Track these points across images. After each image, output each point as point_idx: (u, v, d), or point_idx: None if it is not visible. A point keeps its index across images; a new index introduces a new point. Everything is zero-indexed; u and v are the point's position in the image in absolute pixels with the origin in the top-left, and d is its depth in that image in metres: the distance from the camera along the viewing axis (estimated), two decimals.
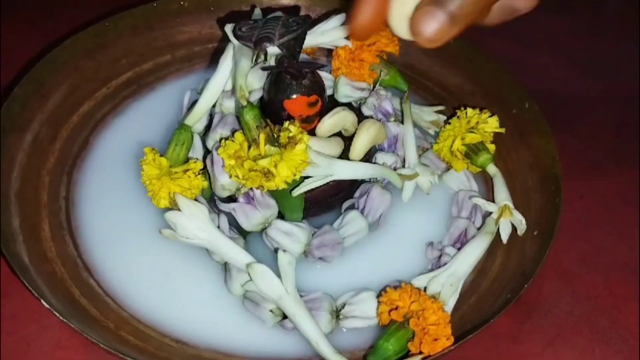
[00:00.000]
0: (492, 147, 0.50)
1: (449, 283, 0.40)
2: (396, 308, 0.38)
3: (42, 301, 0.37)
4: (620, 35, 0.73)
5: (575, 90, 0.65)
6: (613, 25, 0.75)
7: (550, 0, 0.78)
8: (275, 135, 0.40)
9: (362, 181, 0.48)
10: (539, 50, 0.69)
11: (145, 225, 0.46)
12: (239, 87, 0.43)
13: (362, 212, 0.46)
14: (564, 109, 0.62)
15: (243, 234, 0.44)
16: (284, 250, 0.40)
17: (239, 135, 0.41)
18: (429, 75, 0.58)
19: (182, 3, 0.58)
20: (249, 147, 0.40)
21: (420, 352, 0.36)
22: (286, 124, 0.41)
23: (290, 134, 0.40)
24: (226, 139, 0.42)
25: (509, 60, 0.64)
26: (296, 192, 0.42)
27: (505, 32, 0.70)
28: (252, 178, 0.40)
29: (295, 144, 0.40)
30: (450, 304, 0.40)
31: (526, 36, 0.71)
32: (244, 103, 0.42)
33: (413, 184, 0.48)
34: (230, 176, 0.41)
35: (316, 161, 0.42)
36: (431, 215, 0.48)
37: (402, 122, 0.50)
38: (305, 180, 0.42)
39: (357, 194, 0.47)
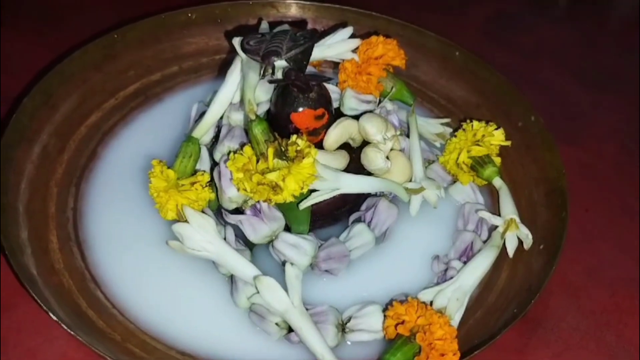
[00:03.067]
0: (497, 160, 0.50)
1: (455, 297, 0.40)
2: (402, 322, 0.38)
3: (50, 313, 0.37)
4: (624, 48, 0.73)
5: (579, 102, 0.65)
6: (617, 38, 0.75)
7: (554, 13, 0.79)
8: (283, 149, 0.41)
9: (369, 194, 0.48)
10: (543, 63, 0.70)
11: (152, 237, 0.46)
12: (248, 101, 0.43)
13: (368, 225, 0.46)
14: (567, 122, 0.63)
15: (249, 246, 0.44)
16: (292, 264, 0.41)
17: (247, 149, 0.41)
18: (435, 88, 0.59)
19: (189, 15, 0.59)
20: (257, 161, 0.40)
21: None
22: (294, 137, 0.41)
23: (298, 148, 0.40)
24: (234, 152, 0.42)
25: (513, 73, 0.64)
26: (303, 205, 0.42)
27: (510, 44, 0.71)
28: (260, 191, 0.40)
29: (303, 157, 0.40)
30: (456, 318, 0.40)
31: (530, 49, 0.72)
32: (253, 117, 0.42)
33: (420, 197, 0.48)
34: (239, 189, 0.41)
35: (323, 175, 0.42)
36: (437, 228, 0.48)
37: (409, 136, 0.51)
38: (313, 194, 0.43)
39: (363, 207, 0.47)
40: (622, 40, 0.74)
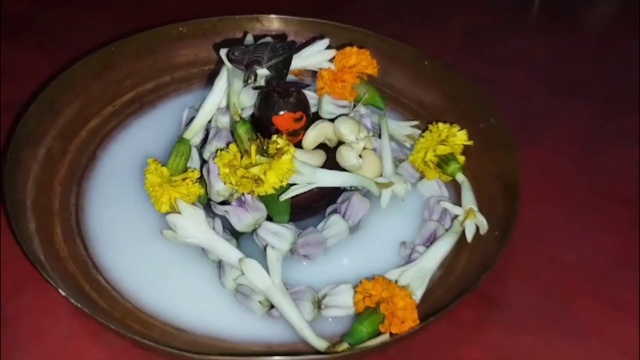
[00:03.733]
0: (462, 158, 0.55)
1: (417, 276, 0.45)
2: (370, 296, 0.43)
3: (59, 290, 0.41)
4: (589, 58, 0.78)
5: (544, 107, 0.70)
6: (583, 49, 0.80)
7: (526, 27, 0.85)
8: (265, 147, 0.46)
9: (344, 189, 0.53)
10: (514, 72, 0.74)
11: (146, 228, 0.50)
12: (233, 105, 0.48)
13: (343, 216, 0.51)
14: (532, 124, 0.67)
15: (235, 236, 0.49)
16: (272, 247, 0.45)
17: (232, 147, 0.46)
18: (407, 94, 0.63)
19: (181, 29, 0.63)
20: (242, 157, 0.45)
21: (391, 333, 0.41)
22: (274, 137, 0.46)
23: (278, 146, 0.45)
24: (221, 150, 0.47)
25: (486, 81, 0.70)
26: (283, 197, 0.47)
27: (484, 55, 0.76)
28: (244, 184, 0.45)
29: (283, 154, 0.45)
30: (418, 294, 0.45)
31: (503, 59, 0.77)
32: (237, 118, 0.48)
33: (389, 191, 0.53)
34: (225, 182, 0.46)
35: (301, 170, 0.47)
36: (406, 219, 0.53)
37: (380, 137, 0.56)
38: (292, 187, 0.48)
39: (339, 200, 0.52)
40: (589, 51, 0.79)
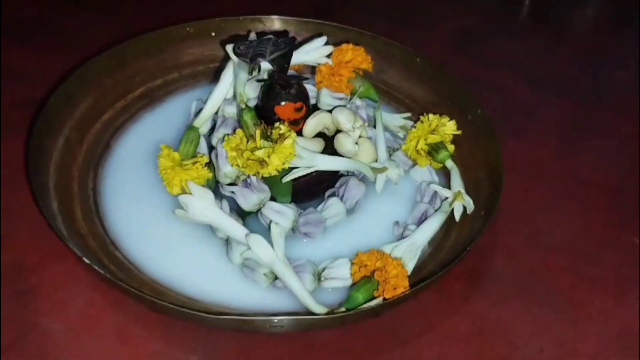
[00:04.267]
0: (451, 148, 0.59)
1: (408, 250, 0.49)
2: (365, 266, 0.47)
3: (84, 259, 0.45)
4: (572, 57, 0.83)
5: (527, 102, 0.75)
6: (567, 49, 0.84)
7: (513, 29, 0.89)
8: (268, 132, 0.50)
9: (342, 175, 0.57)
10: (500, 70, 0.78)
11: (158, 209, 0.54)
12: (239, 94, 0.52)
13: (341, 198, 0.55)
14: (516, 118, 0.72)
15: (242, 216, 0.53)
16: (276, 224, 0.50)
17: (239, 131, 0.50)
18: (400, 89, 0.68)
19: (187, 29, 0.67)
20: (247, 142, 0.50)
21: (384, 299, 0.45)
22: (277, 124, 0.51)
23: (281, 131, 0.50)
24: (229, 135, 0.51)
25: (473, 79, 0.74)
26: (286, 179, 0.51)
27: (472, 55, 0.81)
28: (250, 166, 0.49)
29: (285, 139, 0.49)
30: (409, 266, 0.49)
31: (490, 59, 0.81)
32: (243, 106, 0.52)
33: (384, 176, 0.57)
34: (232, 165, 0.50)
35: (301, 154, 0.51)
36: (399, 202, 0.57)
37: (374, 127, 0.60)
38: (293, 170, 0.52)
39: (337, 184, 0.56)
40: (572, 51, 0.84)
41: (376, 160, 0.57)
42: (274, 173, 0.49)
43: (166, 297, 0.48)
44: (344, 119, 0.55)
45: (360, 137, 0.56)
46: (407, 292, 0.45)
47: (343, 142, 0.55)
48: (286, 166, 0.49)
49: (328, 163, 0.53)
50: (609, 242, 0.59)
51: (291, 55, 0.54)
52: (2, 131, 0.63)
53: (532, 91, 0.76)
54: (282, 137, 0.49)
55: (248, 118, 0.51)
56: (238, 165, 0.49)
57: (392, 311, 0.49)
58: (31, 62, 0.72)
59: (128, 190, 0.57)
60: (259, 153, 0.48)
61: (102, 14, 0.81)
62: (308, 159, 0.52)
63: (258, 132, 0.49)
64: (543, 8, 0.93)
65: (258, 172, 0.49)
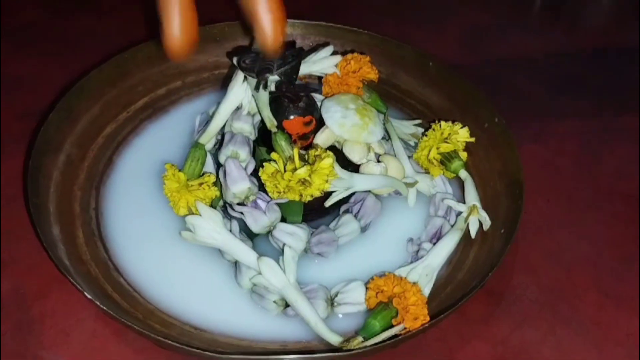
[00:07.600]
0: (464, 155, 0.56)
1: (424, 273, 0.47)
2: (381, 291, 0.45)
3: (85, 293, 0.43)
4: (588, 56, 0.79)
5: (544, 105, 0.71)
6: (583, 47, 0.81)
7: (526, 26, 0.86)
8: (305, 156, 0.47)
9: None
10: (514, 70, 0.75)
11: (163, 230, 0.52)
12: (267, 117, 0.50)
13: (355, 216, 0.53)
14: (533, 123, 0.69)
15: (251, 237, 0.51)
16: (289, 247, 0.47)
17: (274, 155, 0.47)
18: (413, 95, 0.65)
19: None
20: (284, 166, 0.47)
21: (403, 328, 0.43)
22: (312, 149, 0.48)
23: (317, 153, 0.47)
24: (262, 161, 0.48)
25: (486, 80, 0.71)
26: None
27: (484, 54, 0.78)
28: (292, 188, 0.46)
29: (322, 159, 0.46)
30: (426, 291, 0.47)
31: (503, 58, 0.78)
32: (274, 130, 0.49)
33: (414, 190, 0.55)
34: (272, 194, 0.47)
35: (340, 174, 0.48)
36: (412, 216, 0.55)
37: (389, 139, 0.57)
38: (334, 193, 0.49)
39: (352, 200, 0.54)
40: (588, 50, 0.80)
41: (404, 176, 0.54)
42: (317, 194, 0.47)
43: (171, 328, 0.46)
44: (356, 157, 0.53)
45: (380, 155, 0.54)
46: (428, 324, 0.42)
47: (371, 170, 0.52)
48: (328, 186, 0.47)
49: (365, 183, 0.51)
50: (635, 257, 0.56)
51: (299, 67, 0.52)
52: (3, 146, 0.61)
53: (548, 92, 0.73)
54: (318, 157, 0.46)
55: (283, 140, 0.49)
56: (279, 193, 0.47)
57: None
58: (31, 69, 0.70)
59: (132, 210, 0.55)
60: (301, 172, 0.45)
61: (103, 19, 0.79)
62: (347, 179, 0.49)
63: (296, 151, 0.46)
64: (557, 2, 0.90)
65: (301, 195, 0.46)
